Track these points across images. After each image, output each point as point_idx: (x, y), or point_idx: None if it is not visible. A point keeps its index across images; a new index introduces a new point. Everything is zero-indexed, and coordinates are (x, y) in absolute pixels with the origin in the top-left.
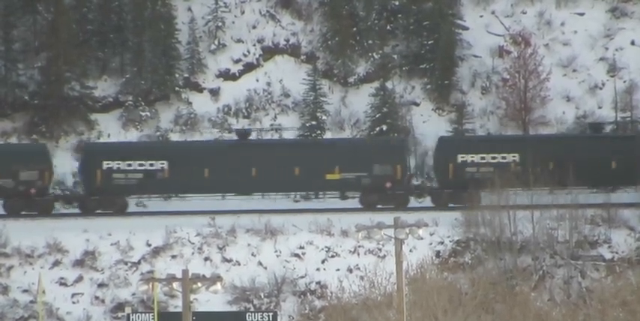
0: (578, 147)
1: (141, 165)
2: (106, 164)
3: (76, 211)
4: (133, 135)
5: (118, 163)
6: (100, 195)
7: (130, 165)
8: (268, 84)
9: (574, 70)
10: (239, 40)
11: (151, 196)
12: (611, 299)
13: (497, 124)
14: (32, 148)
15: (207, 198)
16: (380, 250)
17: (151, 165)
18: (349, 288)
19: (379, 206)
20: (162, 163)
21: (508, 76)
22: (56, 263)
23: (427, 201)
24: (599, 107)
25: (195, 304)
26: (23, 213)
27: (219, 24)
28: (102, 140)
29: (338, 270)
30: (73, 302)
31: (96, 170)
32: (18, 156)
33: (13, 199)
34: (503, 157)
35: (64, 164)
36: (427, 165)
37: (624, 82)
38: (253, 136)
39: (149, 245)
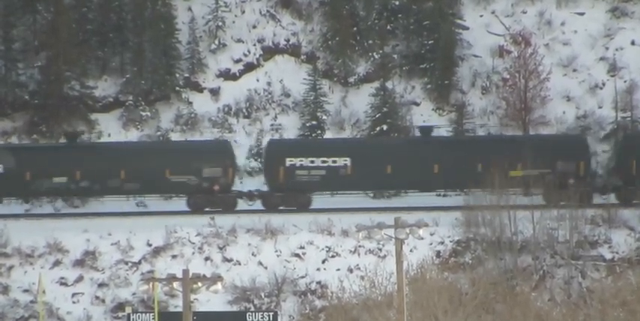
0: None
1: (324, 162)
2: (289, 161)
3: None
4: (133, 135)
5: (301, 160)
6: (284, 192)
7: (312, 162)
8: (268, 84)
9: (574, 70)
10: (239, 40)
11: (333, 193)
12: (612, 299)
13: (497, 124)
14: (216, 145)
15: None
16: (380, 250)
17: (334, 162)
18: (350, 288)
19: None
20: (345, 160)
21: (508, 76)
22: (56, 263)
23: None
24: (600, 107)
25: (195, 303)
26: (207, 209)
27: (220, 24)
28: (284, 137)
29: (338, 270)
30: (74, 302)
31: (279, 167)
32: (202, 153)
33: (196, 195)
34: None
35: None
36: None
37: (624, 81)
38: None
39: (149, 245)
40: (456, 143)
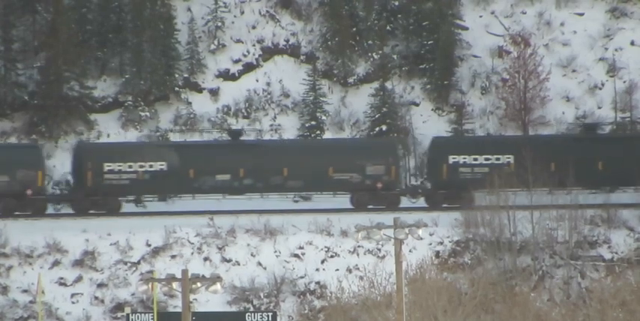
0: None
1: (487, 159)
2: (452, 158)
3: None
4: (132, 135)
5: (464, 158)
6: (446, 189)
7: (476, 159)
8: (268, 84)
9: (574, 71)
10: (239, 41)
11: (497, 191)
12: (611, 299)
13: (496, 125)
14: (380, 143)
15: (207, 198)
16: (379, 250)
17: (497, 159)
18: (349, 288)
19: None
20: (509, 158)
21: (508, 77)
22: (55, 263)
23: None
24: (599, 107)
25: (194, 304)
26: (370, 207)
27: (219, 24)
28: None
29: (337, 270)
30: (73, 302)
31: (442, 164)
32: (366, 151)
33: (359, 193)
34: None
35: (64, 164)
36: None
37: (624, 82)
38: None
39: (149, 245)
40: (623, 140)
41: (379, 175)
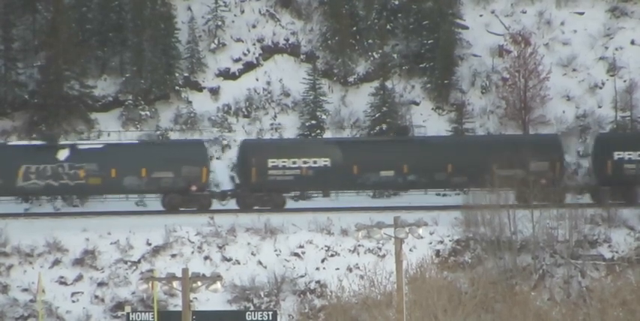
0: None
1: None
2: (617, 155)
3: (76, 209)
4: (132, 134)
5: (629, 154)
6: (611, 185)
7: None
8: (268, 83)
9: (574, 70)
10: (239, 40)
11: None
12: (611, 299)
13: (496, 124)
14: (545, 140)
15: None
16: (380, 249)
17: None
18: (349, 287)
19: None
20: None
21: (508, 76)
22: (56, 262)
23: None
24: (599, 106)
25: (195, 303)
26: (537, 203)
27: (219, 23)
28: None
29: (338, 269)
30: (73, 301)
31: (607, 161)
32: (530, 147)
33: (523, 189)
34: None
35: None
36: None
37: (624, 81)
38: None
39: (149, 244)
40: None
41: (543, 172)
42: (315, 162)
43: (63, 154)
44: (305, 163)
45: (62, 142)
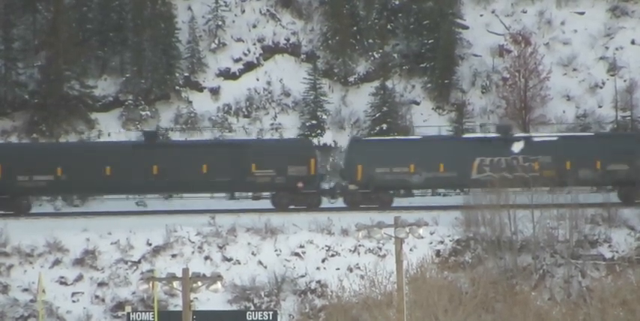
0: None
1: None
2: None
3: (76, 209)
4: (132, 134)
5: None
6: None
7: None
8: (268, 83)
9: (574, 69)
10: (239, 40)
11: None
12: (611, 298)
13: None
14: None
15: (208, 197)
16: (380, 249)
17: None
18: (349, 287)
19: None
20: None
21: (508, 75)
22: (56, 262)
23: None
24: (600, 106)
25: (195, 303)
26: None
27: (220, 23)
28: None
29: (338, 269)
30: (73, 301)
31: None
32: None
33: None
34: None
35: None
36: None
37: (624, 81)
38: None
39: (149, 244)
40: None
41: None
42: None
43: (517, 147)
44: None
45: (516, 134)
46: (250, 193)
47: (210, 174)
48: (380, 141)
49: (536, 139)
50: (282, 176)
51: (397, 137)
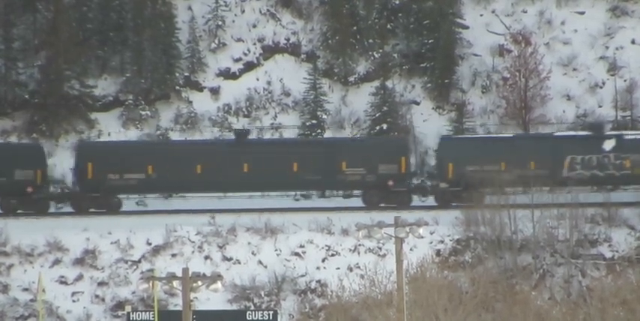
0: None
1: None
2: None
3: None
4: (132, 134)
5: None
6: None
7: None
8: (268, 83)
9: (574, 69)
10: (239, 39)
11: None
12: (612, 298)
13: (497, 124)
14: None
15: (208, 197)
16: (380, 248)
17: None
18: (349, 287)
19: None
20: None
21: (508, 75)
22: (56, 262)
23: None
24: (600, 106)
25: (195, 302)
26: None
27: (220, 23)
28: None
29: (338, 269)
30: (73, 301)
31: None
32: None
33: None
34: None
35: (64, 163)
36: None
37: (624, 80)
38: None
39: (149, 244)
40: None
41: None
42: None
43: (609, 145)
44: None
45: (608, 132)
46: (340, 192)
47: (300, 172)
48: (471, 139)
49: (627, 137)
50: (372, 174)
51: (488, 135)
